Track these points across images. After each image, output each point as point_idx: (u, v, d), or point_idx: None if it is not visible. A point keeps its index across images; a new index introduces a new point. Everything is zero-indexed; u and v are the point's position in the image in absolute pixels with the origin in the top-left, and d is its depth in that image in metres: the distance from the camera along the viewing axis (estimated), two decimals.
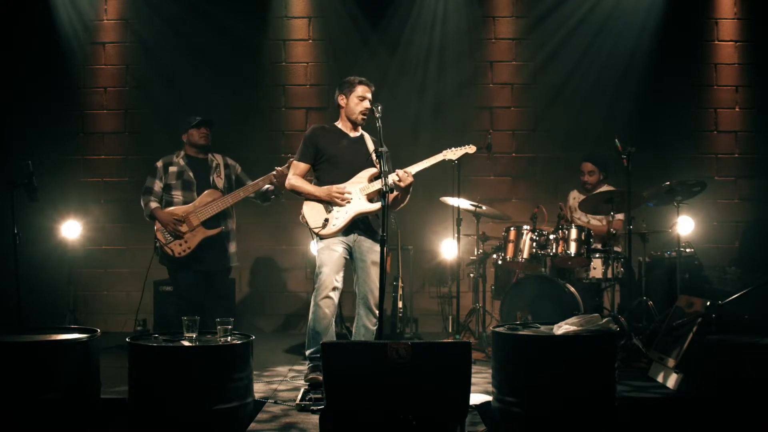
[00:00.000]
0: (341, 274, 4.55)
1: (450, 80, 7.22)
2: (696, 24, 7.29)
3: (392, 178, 4.44)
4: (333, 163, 4.64)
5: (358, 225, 4.60)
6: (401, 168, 4.53)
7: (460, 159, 5.64)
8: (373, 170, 4.64)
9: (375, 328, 4.51)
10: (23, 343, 3.65)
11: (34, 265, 6.33)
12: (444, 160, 4.72)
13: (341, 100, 4.70)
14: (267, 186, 5.43)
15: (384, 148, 4.26)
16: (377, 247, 4.47)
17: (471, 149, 4.78)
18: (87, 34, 7.18)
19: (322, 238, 4.57)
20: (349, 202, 4.55)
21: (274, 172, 5.30)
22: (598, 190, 6.20)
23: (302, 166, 4.69)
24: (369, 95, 4.65)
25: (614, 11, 7.16)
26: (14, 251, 4.47)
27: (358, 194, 4.58)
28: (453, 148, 4.74)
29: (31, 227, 6.02)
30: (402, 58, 7.16)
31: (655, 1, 7.11)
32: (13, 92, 6.97)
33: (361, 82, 4.66)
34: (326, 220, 4.54)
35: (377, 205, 4.51)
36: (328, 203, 4.57)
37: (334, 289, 4.49)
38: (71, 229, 6.62)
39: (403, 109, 6.98)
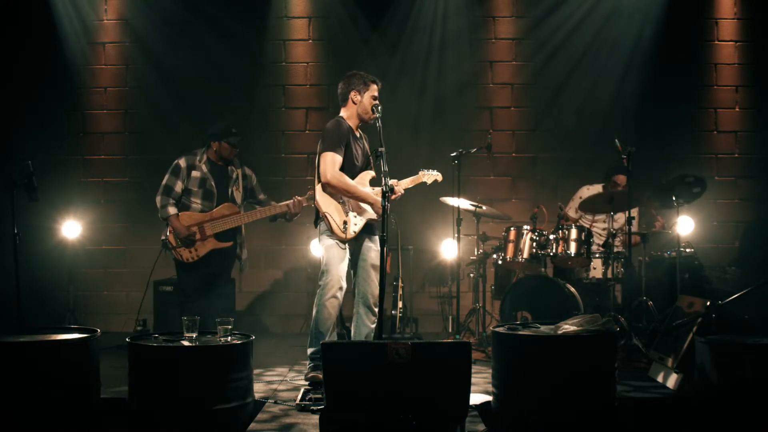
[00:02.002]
0: (346, 273, 4.53)
1: (450, 80, 7.22)
2: (696, 24, 7.29)
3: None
4: (349, 162, 4.55)
5: (368, 225, 4.58)
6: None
7: (459, 160, 5.69)
8: (371, 173, 4.63)
9: (374, 326, 4.51)
10: (23, 344, 3.66)
11: (34, 265, 6.32)
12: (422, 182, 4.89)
13: (355, 97, 4.56)
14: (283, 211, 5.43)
15: (383, 149, 4.24)
16: (377, 247, 4.47)
17: (439, 177, 4.95)
18: (87, 34, 7.18)
19: (342, 241, 4.50)
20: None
21: (293, 201, 5.31)
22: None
23: (339, 159, 4.42)
24: (378, 94, 4.60)
25: (614, 11, 7.16)
26: (14, 251, 4.47)
27: None
28: (427, 172, 4.89)
29: (31, 227, 6.02)
30: (402, 58, 7.16)
31: (655, 1, 7.11)
32: (13, 92, 6.98)
33: (374, 81, 4.58)
34: (345, 223, 4.47)
35: (375, 217, 4.56)
36: (344, 204, 4.50)
37: (340, 288, 4.48)
38: (71, 229, 6.62)
39: (403, 109, 6.98)
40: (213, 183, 5.48)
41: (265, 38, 7.22)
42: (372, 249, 4.56)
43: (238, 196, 5.57)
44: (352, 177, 4.55)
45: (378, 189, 4.57)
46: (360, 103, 4.57)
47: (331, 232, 4.48)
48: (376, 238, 4.54)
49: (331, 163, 4.39)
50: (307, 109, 7.27)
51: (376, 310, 4.47)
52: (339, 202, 4.49)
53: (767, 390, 3.65)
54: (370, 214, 4.55)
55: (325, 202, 4.49)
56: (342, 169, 4.47)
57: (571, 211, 6.35)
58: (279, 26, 7.25)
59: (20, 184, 4.51)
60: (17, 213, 4.48)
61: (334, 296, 4.44)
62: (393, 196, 4.50)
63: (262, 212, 5.45)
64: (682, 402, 4.17)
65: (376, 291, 4.47)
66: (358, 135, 4.66)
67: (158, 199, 5.43)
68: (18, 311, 4.40)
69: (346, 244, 4.53)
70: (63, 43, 7.11)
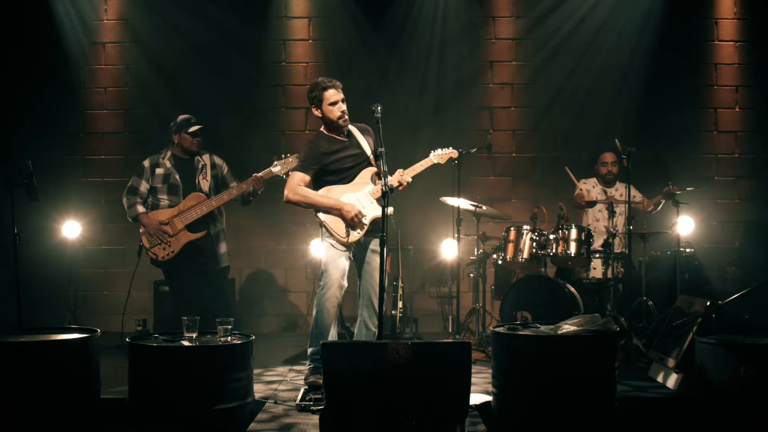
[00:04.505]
0: (346, 272, 4.52)
1: (450, 80, 7.22)
2: (696, 24, 7.29)
3: (394, 179, 4.47)
4: (335, 173, 4.56)
5: (375, 223, 4.56)
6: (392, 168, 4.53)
7: (460, 159, 5.67)
8: (372, 169, 4.62)
9: (376, 331, 4.49)
10: (23, 344, 3.66)
11: (34, 265, 6.32)
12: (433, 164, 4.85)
13: (315, 112, 4.57)
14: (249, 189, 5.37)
15: (382, 149, 4.22)
16: (378, 248, 4.48)
17: (454, 154, 4.93)
18: (87, 34, 7.18)
19: (345, 246, 4.50)
20: (364, 225, 4.49)
21: (252, 179, 5.26)
22: (616, 186, 6.20)
23: (306, 178, 4.51)
24: (338, 97, 4.51)
25: (614, 11, 7.16)
26: (14, 251, 4.47)
27: (369, 198, 4.56)
28: (439, 152, 4.86)
29: (31, 227, 6.02)
30: (402, 58, 7.16)
31: (655, 1, 7.11)
32: (13, 92, 6.98)
33: (325, 88, 4.50)
34: (347, 227, 4.49)
35: (388, 210, 4.51)
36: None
37: (340, 287, 4.47)
38: (71, 229, 6.62)
39: (403, 109, 6.98)
40: (177, 177, 5.44)
41: (265, 38, 7.22)
42: (375, 250, 4.54)
43: (205, 185, 5.48)
44: (348, 180, 4.56)
45: (375, 188, 4.57)
46: (323, 116, 4.56)
47: (339, 242, 4.49)
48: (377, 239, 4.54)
49: (294, 181, 4.50)
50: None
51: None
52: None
53: (767, 390, 3.65)
54: (373, 214, 4.51)
55: (320, 210, 4.53)
56: (327, 179, 4.55)
57: (584, 192, 6.32)
58: (279, 26, 7.25)
59: (20, 184, 4.51)
60: (17, 213, 4.48)
61: (334, 295, 4.44)
62: (401, 187, 4.54)
63: (229, 194, 5.34)
64: (682, 402, 4.17)
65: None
66: (342, 139, 4.62)
67: (124, 200, 5.43)
68: (18, 311, 4.40)
69: (350, 245, 4.53)
70: (63, 43, 7.10)
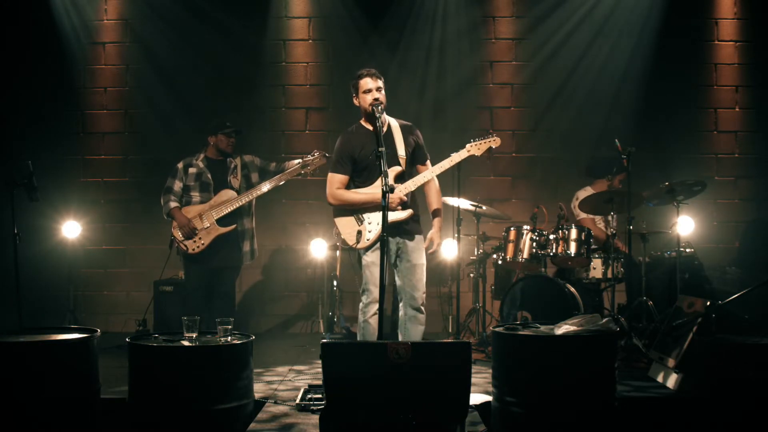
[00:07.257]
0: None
1: (450, 80, 7.22)
2: (696, 24, 7.29)
3: (394, 197, 4.39)
4: (367, 167, 4.51)
5: (401, 227, 4.49)
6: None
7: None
8: (398, 168, 4.50)
9: (423, 327, 4.48)
10: (23, 344, 3.65)
11: (34, 265, 6.32)
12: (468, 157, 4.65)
13: (356, 102, 4.57)
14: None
15: (383, 149, 4.13)
16: (421, 246, 4.54)
17: (495, 142, 4.65)
18: (87, 34, 7.19)
19: (362, 250, 4.48)
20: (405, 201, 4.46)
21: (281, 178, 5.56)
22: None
23: (343, 178, 4.54)
24: (373, 85, 4.45)
25: (614, 11, 7.16)
26: (14, 251, 4.47)
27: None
28: (476, 142, 4.64)
29: (31, 227, 6.02)
30: (402, 58, 7.16)
31: (655, 1, 7.11)
32: (13, 92, 6.98)
33: (359, 77, 4.50)
34: (359, 233, 4.46)
35: (406, 213, 4.48)
36: (360, 213, 4.49)
37: (375, 301, 4.43)
38: (71, 229, 6.63)
39: (403, 109, 6.94)
40: (209, 175, 5.68)
41: (265, 38, 7.21)
42: (416, 249, 4.51)
43: (236, 183, 5.72)
44: (372, 180, 4.50)
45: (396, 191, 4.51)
46: (360, 105, 4.56)
47: (345, 242, 4.51)
48: (419, 237, 4.54)
49: (333, 185, 4.57)
50: (307, 109, 7.27)
51: (423, 309, 4.49)
52: (351, 213, 4.52)
53: (767, 390, 3.66)
54: (397, 216, 4.45)
55: (337, 213, 4.57)
56: (361, 175, 4.53)
57: (577, 210, 6.34)
58: (279, 26, 7.25)
59: (20, 184, 4.52)
60: (17, 213, 4.48)
61: (375, 313, 4.42)
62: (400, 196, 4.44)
63: (258, 189, 5.57)
64: (682, 402, 4.16)
65: (421, 291, 4.49)
66: (371, 130, 4.52)
67: (161, 200, 5.68)
68: (18, 311, 4.40)
69: (384, 247, 4.34)
70: (63, 43, 7.11)
